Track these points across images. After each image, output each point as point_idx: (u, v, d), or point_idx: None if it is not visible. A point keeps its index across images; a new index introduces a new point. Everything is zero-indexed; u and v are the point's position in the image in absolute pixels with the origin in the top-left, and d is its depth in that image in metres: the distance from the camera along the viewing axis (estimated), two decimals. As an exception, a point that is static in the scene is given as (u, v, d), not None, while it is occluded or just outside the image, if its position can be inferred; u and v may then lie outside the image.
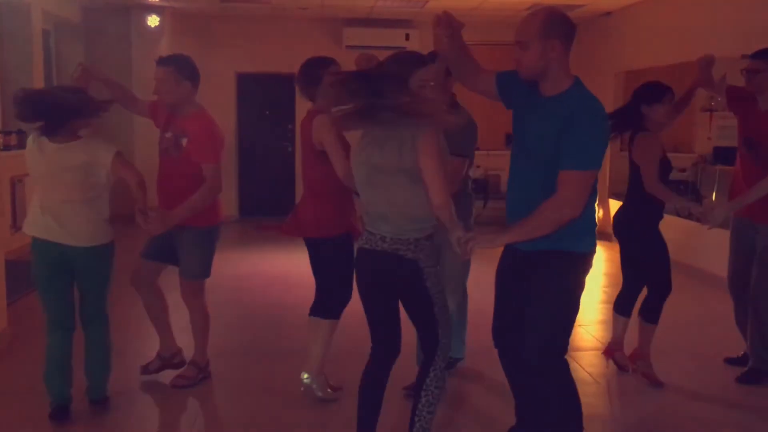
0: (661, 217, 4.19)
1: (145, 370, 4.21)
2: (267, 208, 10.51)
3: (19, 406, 3.70)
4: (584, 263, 2.91)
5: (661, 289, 4.24)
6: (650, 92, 4.07)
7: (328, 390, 3.99)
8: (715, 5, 7.14)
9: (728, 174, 6.52)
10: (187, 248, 3.98)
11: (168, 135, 3.97)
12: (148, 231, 3.73)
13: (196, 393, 4.12)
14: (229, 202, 10.54)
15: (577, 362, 4.58)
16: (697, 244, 6.86)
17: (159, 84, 3.89)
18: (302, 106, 8.86)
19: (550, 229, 2.71)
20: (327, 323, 3.91)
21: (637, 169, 4.10)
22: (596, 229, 2.99)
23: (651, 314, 4.28)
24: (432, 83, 2.92)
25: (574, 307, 2.91)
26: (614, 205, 8.96)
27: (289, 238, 4.05)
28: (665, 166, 4.16)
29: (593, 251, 2.94)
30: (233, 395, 4.12)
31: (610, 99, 8.72)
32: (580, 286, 2.92)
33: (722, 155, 8.40)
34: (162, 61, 3.92)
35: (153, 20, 9.52)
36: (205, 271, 4.08)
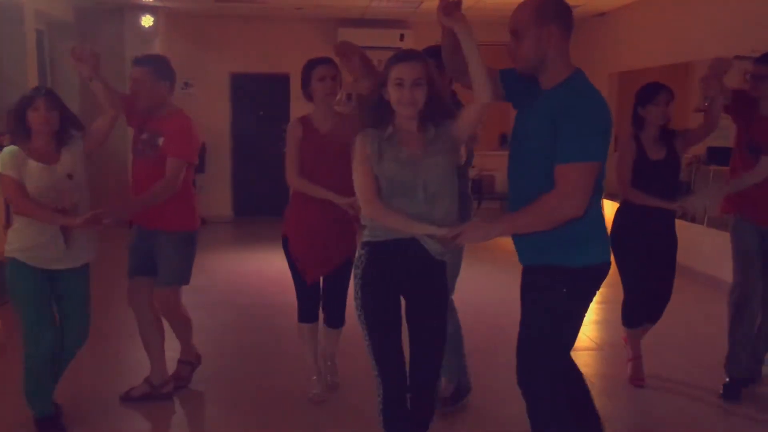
0: (669, 216, 4.11)
1: (127, 396, 3.95)
2: (261, 208, 10.50)
3: (11, 408, 3.68)
4: (577, 280, 2.57)
5: (627, 291, 4.24)
6: (644, 94, 4.07)
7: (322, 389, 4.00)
8: (710, 6, 7.16)
9: (723, 174, 6.53)
10: (164, 254, 3.84)
11: (144, 137, 3.83)
12: (107, 223, 3.36)
13: (193, 394, 4.12)
14: (223, 202, 10.55)
15: (572, 362, 4.58)
16: (695, 245, 6.87)
17: (136, 84, 3.77)
18: (297, 106, 8.92)
19: (547, 226, 2.50)
20: (299, 326, 3.98)
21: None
22: (605, 236, 2.67)
23: (622, 317, 4.30)
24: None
25: (559, 333, 2.62)
26: (608, 205, 8.97)
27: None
28: (674, 166, 4.13)
29: (595, 265, 2.61)
30: (229, 396, 4.12)
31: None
32: (570, 309, 2.60)
33: (716, 155, 8.41)
34: (139, 61, 3.83)
35: (147, 20, 9.50)
36: (182, 277, 3.94)
